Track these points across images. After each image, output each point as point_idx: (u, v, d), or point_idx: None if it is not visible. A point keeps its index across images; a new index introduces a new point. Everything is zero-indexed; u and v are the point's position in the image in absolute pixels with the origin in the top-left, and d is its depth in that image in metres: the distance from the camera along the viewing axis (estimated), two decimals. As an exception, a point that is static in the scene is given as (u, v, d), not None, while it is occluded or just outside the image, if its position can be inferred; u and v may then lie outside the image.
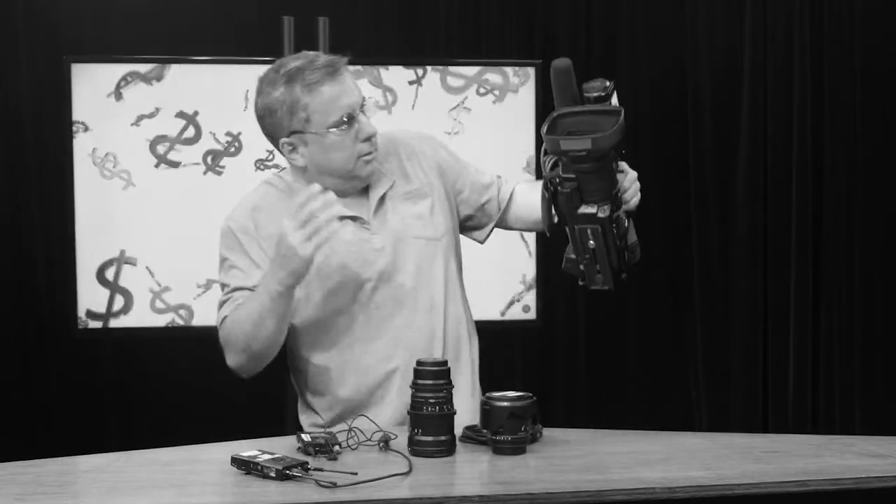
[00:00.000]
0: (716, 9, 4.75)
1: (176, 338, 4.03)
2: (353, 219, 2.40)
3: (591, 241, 2.05)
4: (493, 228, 2.60)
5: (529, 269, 4.06)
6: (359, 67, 3.94)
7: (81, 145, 3.87)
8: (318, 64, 2.31)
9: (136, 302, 3.92)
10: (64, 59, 3.88)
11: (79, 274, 3.87)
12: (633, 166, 2.21)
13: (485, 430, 2.06)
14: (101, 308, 3.90)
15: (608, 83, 1.99)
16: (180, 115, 3.91)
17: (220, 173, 3.94)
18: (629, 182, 2.19)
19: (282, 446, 2.03)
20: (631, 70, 4.70)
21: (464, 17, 4.57)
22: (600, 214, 2.02)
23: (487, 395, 2.12)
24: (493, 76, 4.09)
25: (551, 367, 4.71)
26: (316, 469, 1.88)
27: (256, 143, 3.97)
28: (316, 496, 1.77)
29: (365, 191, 2.43)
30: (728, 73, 4.76)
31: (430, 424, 2.03)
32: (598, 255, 2.06)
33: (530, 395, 2.08)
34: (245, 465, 1.90)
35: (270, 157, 3.92)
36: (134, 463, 2.05)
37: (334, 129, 2.31)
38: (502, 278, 4.02)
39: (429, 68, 4.05)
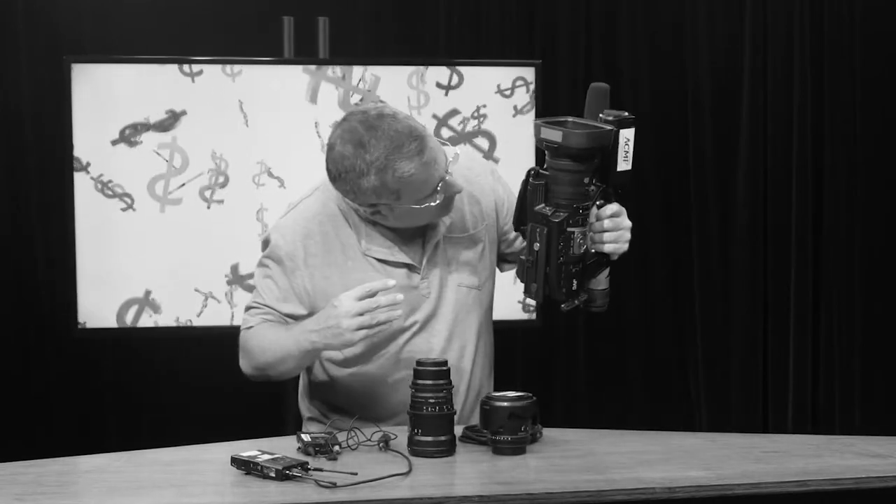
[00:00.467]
0: (716, 9, 4.75)
1: (176, 338, 4.03)
2: (406, 265, 2.35)
3: (537, 244, 2.05)
4: None
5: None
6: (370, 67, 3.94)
7: (81, 146, 3.87)
8: (409, 152, 2.18)
9: (136, 303, 3.93)
10: (64, 59, 3.88)
11: (79, 274, 3.87)
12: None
13: (485, 430, 2.06)
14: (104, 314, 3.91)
15: (625, 114, 2.03)
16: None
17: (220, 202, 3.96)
18: (612, 224, 2.13)
19: (282, 446, 2.03)
20: (631, 70, 4.70)
21: (464, 16, 4.56)
22: (552, 218, 2.03)
23: (487, 395, 2.13)
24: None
25: (551, 367, 4.71)
26: (316, 469, 1.88)
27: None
28: (316, 496, 1.77)
29: (421, 230, 2.37)
30: (728, 73, 4.75)
31: (430, 424, 2.03)
32: (537, 261, 2.05)
33: (530, 395, 2.08)
34: (245, 465, 1.90)
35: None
36: (134, 463, 2.05)
37: (426, 204, 2.25)
38: (502, 278, 4.01)
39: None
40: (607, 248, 2.14)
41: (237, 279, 3.93)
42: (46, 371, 4.31)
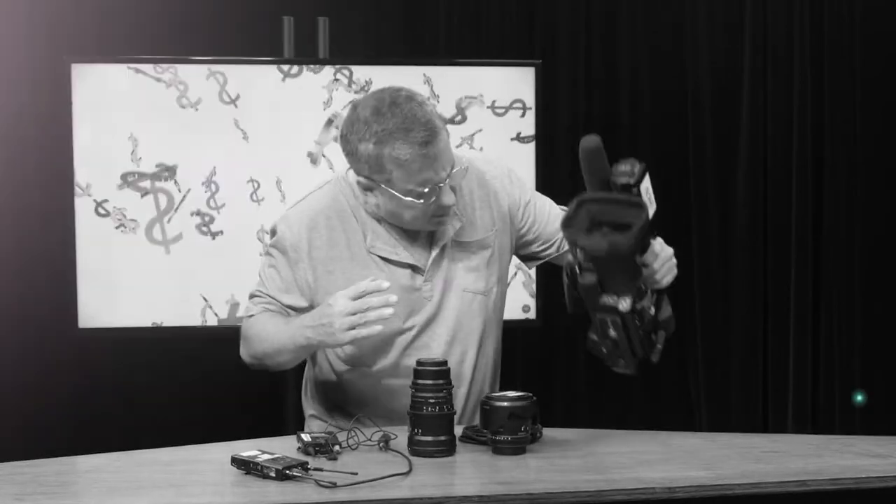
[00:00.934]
0: (716, 9, 4.75)
1: (176, 338, 4.03)
2: (410, 266, 2.35)
3: (612, 331, 1.98)
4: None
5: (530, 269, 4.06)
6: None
7: (81, 146, 3.88)
8: (414, 137, 2.18)
9: (136, 302, 3.93)
10: (64, 59, 3.88)
11: (79, 274, 3.87)
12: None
13: (485, 430, 2.06)
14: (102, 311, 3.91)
15: (637, 168, 1.95)
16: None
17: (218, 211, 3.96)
18: (661, 262, 2.10)
19: (282, 446, 2.03)
20: (631, 70, 4.70)
21: (464, 16, 4.56)
22: (621, 308, 1.95)
23: (487, 395, 2.12)
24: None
25: (551, 367, 4.71)
26: (316, 469, 1.88)
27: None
28: (316, 496, 1.77)
29: (429, 232, 2.36)
30: (728, 73, 4.75)
31: (430, 424, 2.03)
32: (619, 344, 1.99)
33: (530, 395, 2.08)
34: (245, 465, 1.90)
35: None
36: (134, 463, 2.05)
37: (411, 198, 2.24)
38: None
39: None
40: (664, 283, 2.12)
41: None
42: (46, 371, 4.31)
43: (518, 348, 4.58)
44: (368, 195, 2.30)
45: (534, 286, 4.09)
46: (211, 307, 3.90)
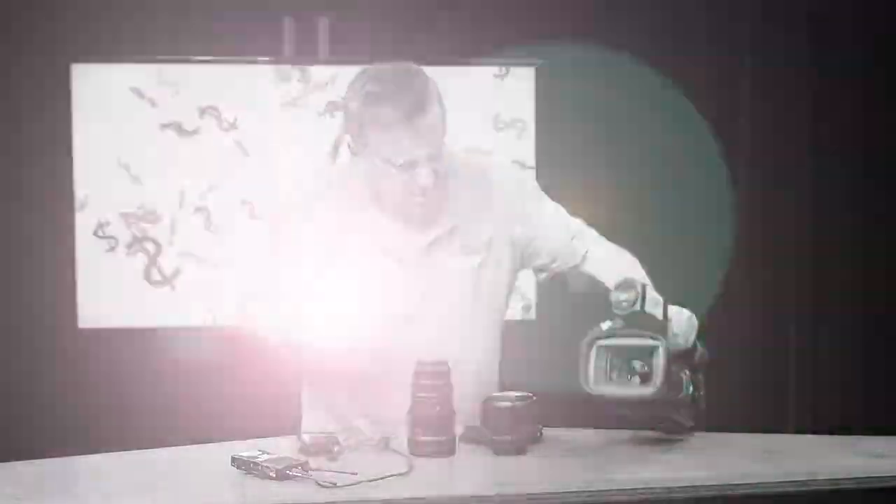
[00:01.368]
0: (716, 9, 4.74)
1: (176, 338, 4.03)
2: (401, 257, 2.31)
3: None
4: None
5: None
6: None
7: (81, 147, 3.88)
8: (401, 104, 2.15)
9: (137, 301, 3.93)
10: (64, 59, 3.88)
11: (79, 273, 3.86)
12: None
13: (485, 430, 2.06)
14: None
15: (636, 290, 2.00)
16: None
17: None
18: (678, 327, 2.21)
19: (282, 446, 2.02)
20: (631, 69, 4.68)
21: (464, 16, 4.56)
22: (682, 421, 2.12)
23: (488, 395, 2.12)
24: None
25: (551, 367, 4.70)
26: (316, 469, 1.88)
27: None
28: (316, 496, 1.77)
29: (425, 224, 2.31)
30: (728, 73, 4.75)
31: (430, 424, 2.03)
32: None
33: (530, 395, 2.08)
34: (245, 465, 1.90)
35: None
36: (134, 463, 2.05)
37: (389, 170, 2.19)
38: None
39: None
40: (689, 343, 2.23)
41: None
42: (46, 370, 4.31)
43: (518, 348, 4.57)
44: (355, 158, 2.27)
45: (534, 286, 4.09)
46: (211, 307, 3.90)
